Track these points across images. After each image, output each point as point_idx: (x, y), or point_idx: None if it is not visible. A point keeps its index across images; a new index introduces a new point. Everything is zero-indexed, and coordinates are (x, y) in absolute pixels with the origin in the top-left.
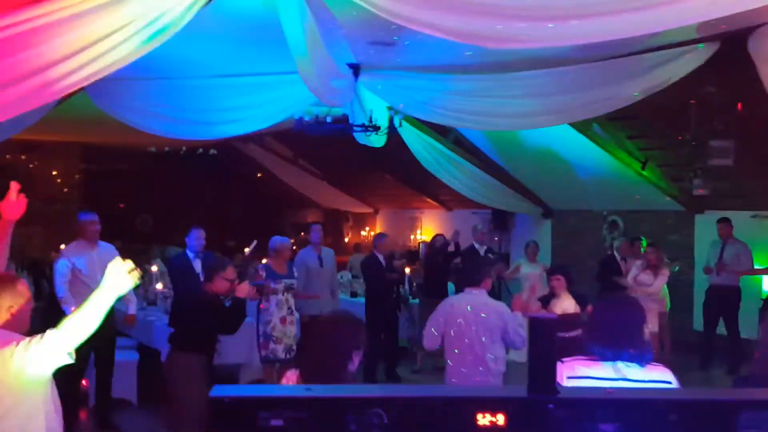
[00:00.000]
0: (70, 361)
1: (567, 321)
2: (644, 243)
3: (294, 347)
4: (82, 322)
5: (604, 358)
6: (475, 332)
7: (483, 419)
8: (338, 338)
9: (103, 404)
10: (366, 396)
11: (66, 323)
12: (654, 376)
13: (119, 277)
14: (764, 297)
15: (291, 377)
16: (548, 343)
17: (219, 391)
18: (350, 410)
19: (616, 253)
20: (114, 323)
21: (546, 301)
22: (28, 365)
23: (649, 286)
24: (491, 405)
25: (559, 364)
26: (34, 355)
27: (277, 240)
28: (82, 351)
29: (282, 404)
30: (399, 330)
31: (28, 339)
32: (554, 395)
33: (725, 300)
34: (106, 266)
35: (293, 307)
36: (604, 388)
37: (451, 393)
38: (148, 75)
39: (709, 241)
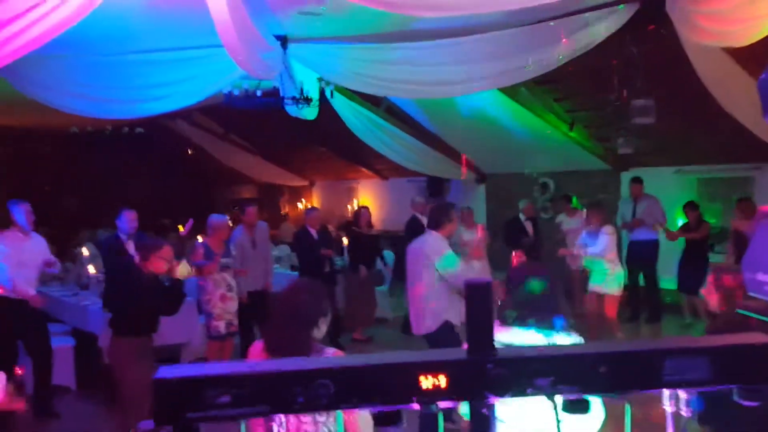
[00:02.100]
0: None
1: None
2: (575, 201)
3: (234, 322)
4: None
5: (529, 326)
6: (411, 272)
7: (426, 381)
8: (300, 306)
9: (43, 392)
10: (312, 368)
11: None
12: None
13: None
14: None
15: (257, 348)
16: (485, 306)
17: (163, 372)
18: (297, 383)
19: (521, 215)
20: (41, 309)
21: None
22: None
23: (593, 249)
24: (433, 368)
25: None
26: None
27: (214, 218)
28: (6, 340)
29: (228, 381)
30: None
31: None
32: (493, 356)
33: (644, 254)
34: (36, 258)
35: (232, 284)
36: (538, 347)
37: (394, 359)
38: (66, 52)
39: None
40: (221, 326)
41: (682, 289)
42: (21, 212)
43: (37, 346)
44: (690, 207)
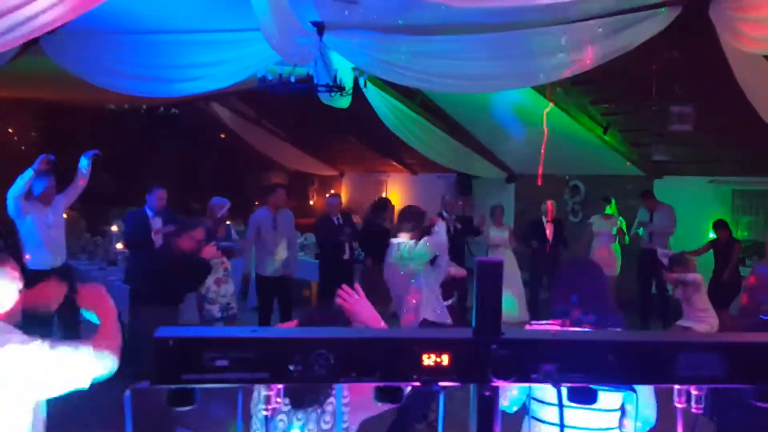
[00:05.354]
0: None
1: None
2: (612, 205)
3: (232, 305)
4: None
5: (578, 323)
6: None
7: (428, 359)
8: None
9: None
10: (311, 337)
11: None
12: None
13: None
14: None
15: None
16: (494, 286)
17: (163, 331)
18: (296, 351)
19: (543, 217)
20: (71, 282)
21: None
22: (47, 381)
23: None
24: (436, 346)
25: (528, 326)
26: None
27: (213, 200)
28: (44, 315)
29: (227, 344)
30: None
31: (62, 346)
32: (498, 337)
33: (657, 261)
34: (59, 223)
35: (229, 269)
36: (549, 331)
37: (396, 334)
38: (107, 29)
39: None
40: (215, 310)
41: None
42: (42, 185)
43: (70, 318)
44: (720, 226)
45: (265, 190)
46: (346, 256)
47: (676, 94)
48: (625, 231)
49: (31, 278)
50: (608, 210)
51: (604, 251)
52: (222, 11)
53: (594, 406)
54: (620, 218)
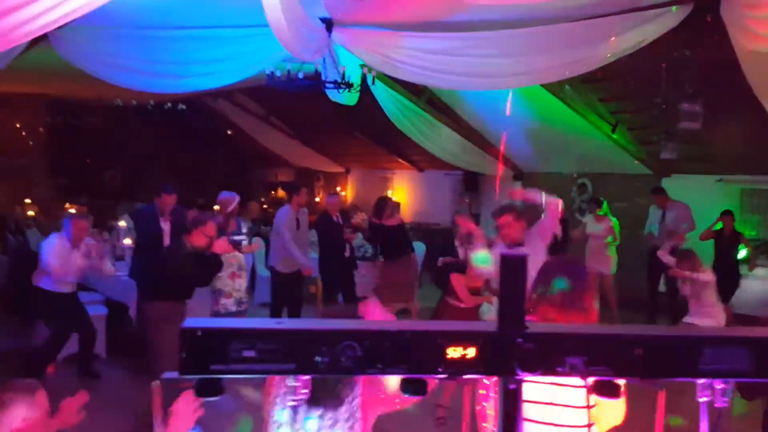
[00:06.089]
0: None
1: None
2: (605, 207)
3: (244, 299)
4: None
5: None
6: None
7: (454, 352)
8: None
9: (86, 356)
10: (339, 328)
11: None
12: None
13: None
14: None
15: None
16: (518, 279)
17: (191, 322)
18: (323, 342)
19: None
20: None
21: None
22: None
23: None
24: (462, 339)
25: None
26: None
27: (222, 194)
28: (76, 316)
29: (255, 336)
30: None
31: None
32: (523, 330)
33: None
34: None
35: (242, 263)
36: (571, 325)
37: (423, 327)
38: (116, 24)
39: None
40: (230, 303)
41: None
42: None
43: (84, 324)
44: (726, 214)
45: (289, 189)
46: (347, 254)
47: (685, 93)
48: (617, 233)
49: (40, 298)
50: (600, 212)
51: (598, 251)
52: (230, 7)
53: (562, 383)
54: (614, 219)
